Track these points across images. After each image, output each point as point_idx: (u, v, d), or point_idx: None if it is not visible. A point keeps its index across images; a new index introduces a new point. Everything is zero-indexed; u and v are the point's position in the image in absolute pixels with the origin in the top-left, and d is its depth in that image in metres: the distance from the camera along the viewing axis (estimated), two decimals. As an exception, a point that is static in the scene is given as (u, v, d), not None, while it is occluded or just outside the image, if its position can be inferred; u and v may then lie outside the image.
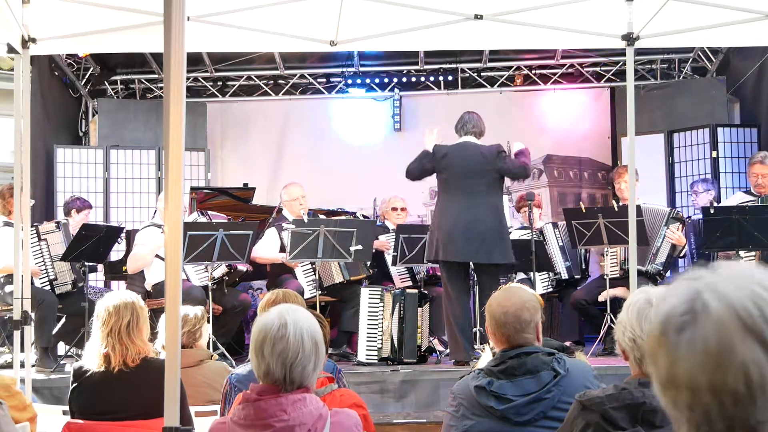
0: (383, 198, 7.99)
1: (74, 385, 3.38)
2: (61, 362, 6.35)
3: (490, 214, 5.95)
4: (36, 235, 6.66)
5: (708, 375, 0.94)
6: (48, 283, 6.69)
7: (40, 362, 6.25)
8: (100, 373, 3.31)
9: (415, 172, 6.23)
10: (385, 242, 7.29)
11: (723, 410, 0.95)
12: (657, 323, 1.01)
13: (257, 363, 2.17)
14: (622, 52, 6.14)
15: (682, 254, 7.00)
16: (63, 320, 6.82)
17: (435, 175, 6.18)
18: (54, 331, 6.66)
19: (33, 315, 5.09)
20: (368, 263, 6.99)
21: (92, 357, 3.35)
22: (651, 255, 6.78)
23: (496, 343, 2.76)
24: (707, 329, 0.95)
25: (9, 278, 5.97)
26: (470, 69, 9.51)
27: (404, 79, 9.59)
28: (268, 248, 7.03)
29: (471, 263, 6.17)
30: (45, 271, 6.68)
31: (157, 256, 6.61)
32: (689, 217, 7.47)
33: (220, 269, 6.65)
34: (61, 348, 6.95)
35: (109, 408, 3.31)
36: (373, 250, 6.97)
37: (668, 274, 6.93)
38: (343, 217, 7.33)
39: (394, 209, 7.68)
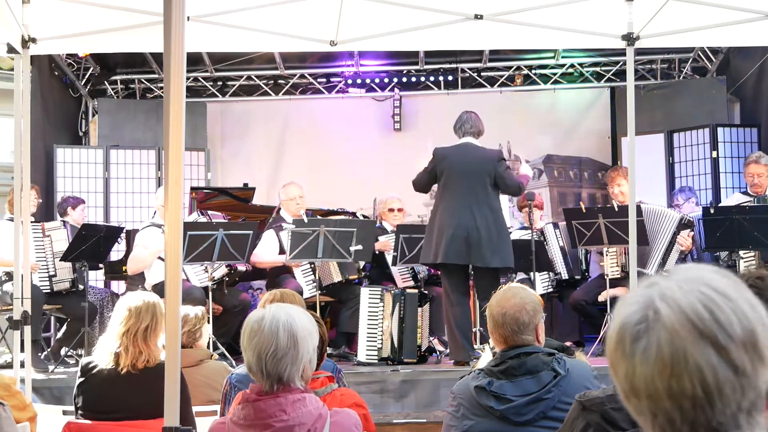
0: (380, 199, 7.94)
1: (80, 380, 3.36)
2: (61, 362, 6.35)
3: (489, 216, 5.92)
4: (41, 231, 6.72)
5: (665, 382, 0.95)
6: (47, 278, 6.71)
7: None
8: (108, 370, 3.29)
9: (421, 182, 6.19)
10: (387, 242, 7.26)
11: (684, 415, 0.96)
12: (614, 333, 1.01)
13: (245, 357, 2.23)
14: (622, 52, 6.13)
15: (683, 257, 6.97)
16: (65, 325, 6.83)
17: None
18: (58, 336, 6.66)
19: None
20: (361, 264, 6.98)
21: (103, 353, 3.32)
22: (658, 258, 6.71)
23: (496, 343, 2.76)
24: (660, 337, 0.96)
25: (8, 276, 5.98)
26: (470, 69, 9.51)
27: (404, 79, 9.59)
28: (267, 251, 7.01)
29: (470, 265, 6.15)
30: (45, 267, 6.71)
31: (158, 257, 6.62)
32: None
33: (220, 270, 6.64)
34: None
35: (112, 407, 3.29)
36: (375, 252, 6.98)
37: None
38: (343, 217, 7.32)
39: (391, 210, 7.59)
